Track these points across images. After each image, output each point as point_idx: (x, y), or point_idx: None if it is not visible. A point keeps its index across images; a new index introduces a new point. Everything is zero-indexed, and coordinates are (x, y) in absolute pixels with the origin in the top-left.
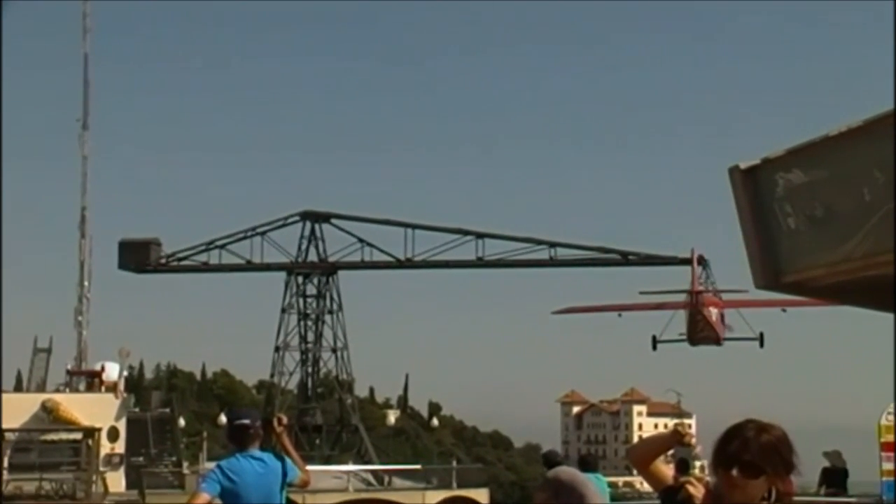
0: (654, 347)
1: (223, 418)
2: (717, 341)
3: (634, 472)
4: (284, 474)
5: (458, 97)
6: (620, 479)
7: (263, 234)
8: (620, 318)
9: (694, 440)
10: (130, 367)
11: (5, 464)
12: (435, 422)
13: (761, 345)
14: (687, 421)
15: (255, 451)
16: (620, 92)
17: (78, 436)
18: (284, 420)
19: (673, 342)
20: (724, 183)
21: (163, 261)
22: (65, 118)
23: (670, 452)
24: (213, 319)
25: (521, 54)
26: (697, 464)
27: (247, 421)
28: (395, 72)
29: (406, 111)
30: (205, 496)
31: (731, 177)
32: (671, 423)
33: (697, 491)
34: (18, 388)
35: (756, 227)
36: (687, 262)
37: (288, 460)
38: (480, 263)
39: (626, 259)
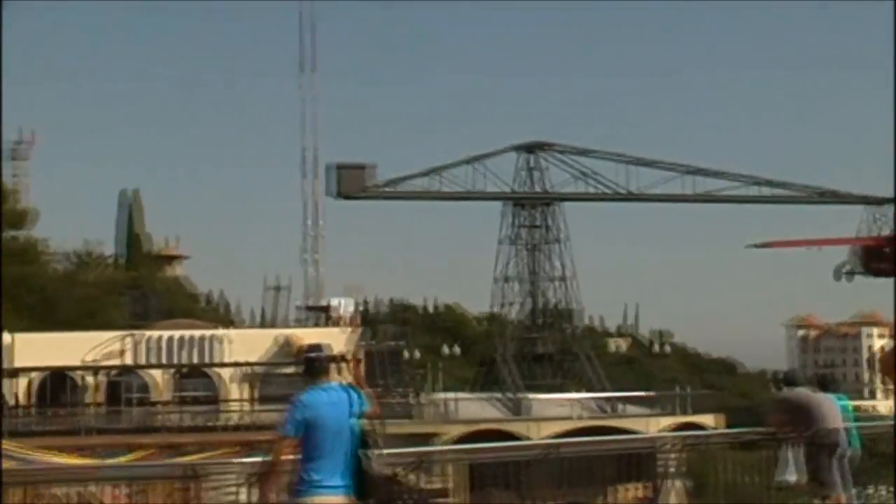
0: (838, 278)
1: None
2: None
3: (866, 395)
4: (352, 404)
5: (686, 28)
6: (851, 404)
7: (480, 161)
8: (821, 251)
9: None
10: (365, 302)
11: (256, 395)
12: (666, 348)
13: None
14: None
15: (325, 383)
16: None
17: None
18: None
19: (852, 274)
20: None
21: (381, 188)
22: (286, 60)
23: None
24: (432, 249)
25: None
26: None
27: (316, 354)
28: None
29: (626, 41)
30: (290, 439)
31: None
32: None
33: None
34: (256, 325)
35: None
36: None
37: (360, 392)
38: (706, 198)
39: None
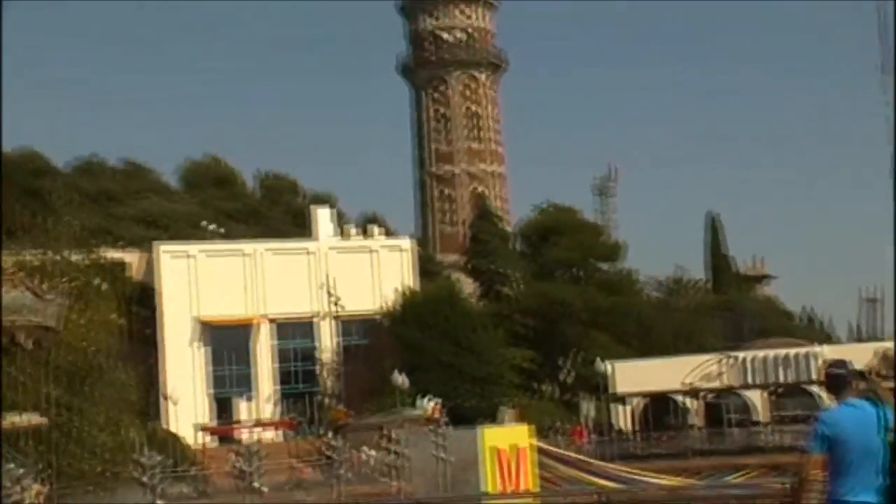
0: None
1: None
2: None
3: None
4: (879, 419)
5: None
6: None
7: None
8: None
9: None
10: None
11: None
12: None
13: None
14: None
15: (850, 399)
16: None
17: None
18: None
19: None
20: None
21: None
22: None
23: None
24: None
25: None
26: None
27: (838, 371)
28: None
29: None
30: (816, 456)
31: None
32: None
33: None
34: (853, 339)
35: None
36: None
37: (887, 406)
38: None
39: None
